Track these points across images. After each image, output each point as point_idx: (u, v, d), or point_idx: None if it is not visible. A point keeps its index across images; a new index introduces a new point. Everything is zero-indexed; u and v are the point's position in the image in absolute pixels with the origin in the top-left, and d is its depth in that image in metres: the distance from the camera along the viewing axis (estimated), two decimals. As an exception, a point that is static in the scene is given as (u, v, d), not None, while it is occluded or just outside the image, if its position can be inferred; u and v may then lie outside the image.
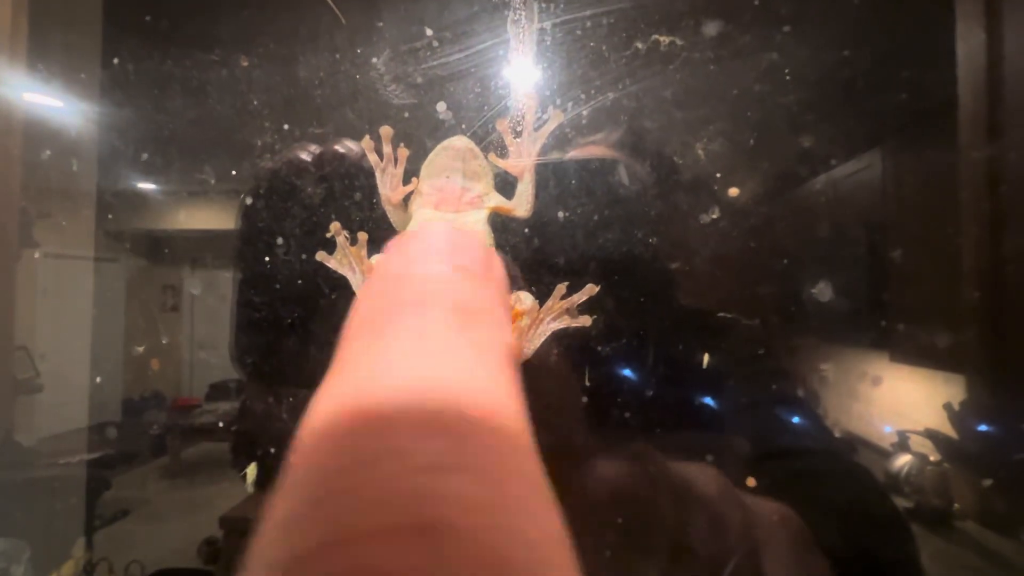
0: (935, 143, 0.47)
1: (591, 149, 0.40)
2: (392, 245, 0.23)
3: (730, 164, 0.35)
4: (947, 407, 0.52)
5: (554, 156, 0.37)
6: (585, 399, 0.35)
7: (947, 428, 0.53)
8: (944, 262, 0.45)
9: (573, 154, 0.39)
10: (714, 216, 0.34)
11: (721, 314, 0.37)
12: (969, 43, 0.42)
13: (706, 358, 0.36)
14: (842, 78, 0.35)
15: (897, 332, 0.51)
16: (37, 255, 0.73)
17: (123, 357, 0.67)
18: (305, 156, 0.39)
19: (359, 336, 0.18)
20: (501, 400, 0.16)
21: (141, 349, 0.67)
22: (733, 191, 0.34)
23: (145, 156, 0.46)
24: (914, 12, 0.40)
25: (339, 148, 0.39)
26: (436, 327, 0.17)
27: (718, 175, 0.34)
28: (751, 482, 0.36)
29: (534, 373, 0.32)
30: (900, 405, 0.62)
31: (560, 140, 0.38)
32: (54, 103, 0.61)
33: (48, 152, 0.59)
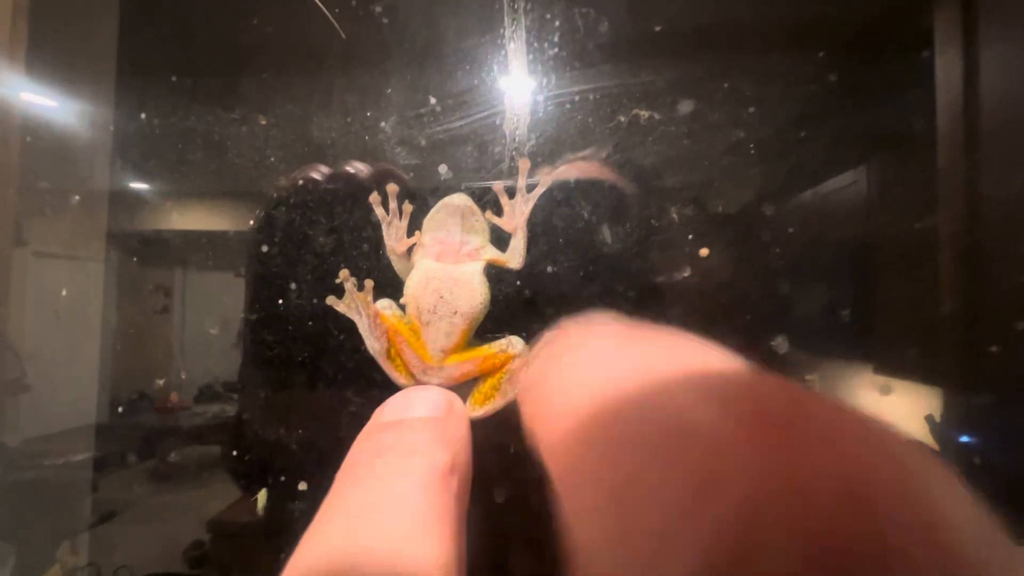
0: (908, 167, 0.50)
1: (581, 165, 0.44)
2: (374, 415, 0.32)
3: (700, 228, 0.39)
4: (928, 419, 0.52)
5: (546, 170, 0.41)
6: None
7: (929, 440, 0.53)
8: (925, 278, 0.49)
9: (563, 169, 0.43)
10: (686, 274, 0.38)
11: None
12: (948, 96, 0.46)
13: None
14: (800, 154, 0.39)
15: (881, 345, 0.54)
16: (27, 254, 0.73)
17: (111, 358, 0.66)
18: (317, 176, 0.42)
19: (341, 480, 0.26)
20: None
21: (127, 351, 0.67)
22: (703, 251, 0.38)
23: (162, 207, 0.49)
24: (885, 80, 0.44)
25: (349, 169, 0.42)
26: (385, 467, 0.26)
27: (690, 237, 0.38)
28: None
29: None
30: (883, 416, 0.65)
31: (551, 156, 0.42)
32: (50, 103, 0.62)
33: (45, 153, 0.60)
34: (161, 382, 0.68)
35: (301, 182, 0.41)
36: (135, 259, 0.69)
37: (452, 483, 0.26)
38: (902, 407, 0.59)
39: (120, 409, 0.67)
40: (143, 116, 0.44)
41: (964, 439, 0.51)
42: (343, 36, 0.44)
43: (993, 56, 0.47)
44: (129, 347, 0.67)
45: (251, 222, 0.40)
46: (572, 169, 0.41)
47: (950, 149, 0.46)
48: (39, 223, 0.71)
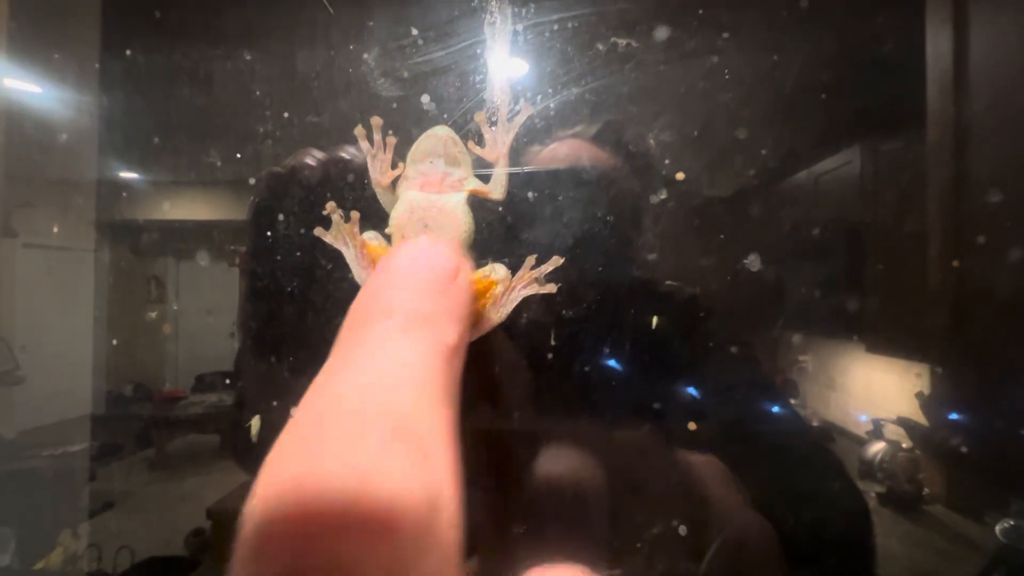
0: (895, 143, 0.51)
1: (571, 143, 0.43)
2: (380, 263, 0.30)
3: (677, 152, 0.40)
4: (919, 396, 0.54)
5: (528, 160, 0.41)
6: (550, 355, 0.40)
7: (919, 416, 0.55)
8: (915, 257, 0.49)
9: (545, 153, 0.43)
10: (662, 197, 0.39)
11: (668, 282, 0.43)
12: (937, 55, 0.46)
13: (655, 320, 0.41)
14: (772, 79, 0.40)
15: (873, 324, 0.54)
16: (16, 245, 0.73)
17: (105, 349, 0.65)
18: (311, 162, 0.43)
19: (340, 344, 0.25)
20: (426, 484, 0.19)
21: (122, 341, 0.67)
22: (679, 175, 0.40)
23: (150, 143, 0.49)
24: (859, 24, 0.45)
25: (344, 155, 0.43)
26: (391, 333, 0.24)
27: (667, 161, 0.40)
28: (692, 426, 0.41)
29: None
30: (875, 395, 0.64)
31: (541, 134, 0.43)
32: (35, 89, 0.61)
33: (32, 141, 0.60)
34: (158, 372, 0.68)
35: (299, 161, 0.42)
36: (126, 249, 0.68)
37: (455, 363, 0.25)
38: (893, 384, 0.59)
39: (116, 399, 0.67)
40: (128, 52, 0.45)
41: (952, 416, 0.52)
42: (330, 11, 0.44)
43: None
44: (123, 338, 0.67)
45: (239, 156, 0.41)
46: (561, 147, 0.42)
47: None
48: (28, 214, 0.70)
